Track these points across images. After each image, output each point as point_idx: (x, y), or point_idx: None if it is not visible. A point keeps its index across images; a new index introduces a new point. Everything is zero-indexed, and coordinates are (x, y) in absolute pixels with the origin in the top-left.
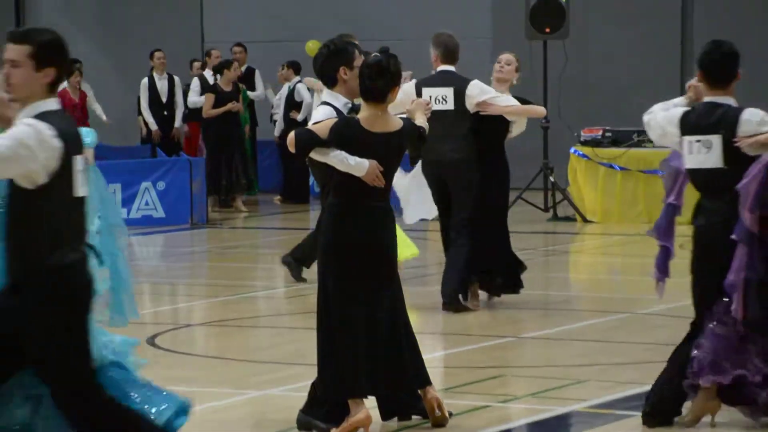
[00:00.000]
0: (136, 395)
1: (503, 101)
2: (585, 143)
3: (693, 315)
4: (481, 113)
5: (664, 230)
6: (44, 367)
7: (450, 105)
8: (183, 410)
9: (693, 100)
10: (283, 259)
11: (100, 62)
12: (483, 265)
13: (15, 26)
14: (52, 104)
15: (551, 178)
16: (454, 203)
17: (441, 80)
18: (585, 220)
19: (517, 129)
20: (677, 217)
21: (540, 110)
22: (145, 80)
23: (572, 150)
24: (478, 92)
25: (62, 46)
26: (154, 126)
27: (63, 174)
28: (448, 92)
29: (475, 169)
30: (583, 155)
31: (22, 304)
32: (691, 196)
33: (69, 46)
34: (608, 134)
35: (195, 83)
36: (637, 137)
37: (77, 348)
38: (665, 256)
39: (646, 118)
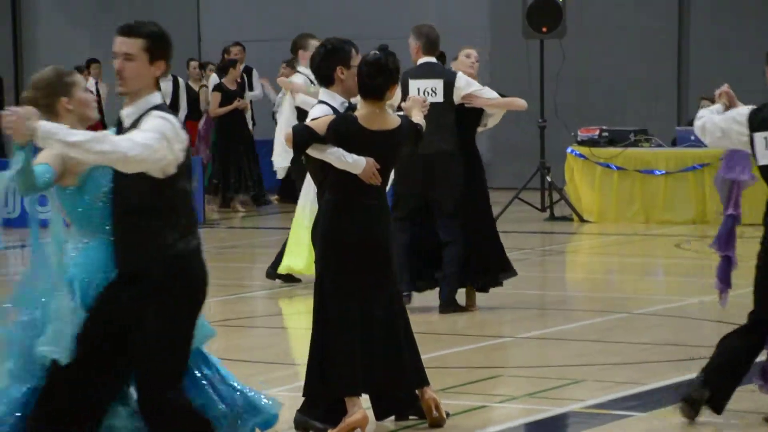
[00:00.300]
0: (224, 402)
1: (487, 94)
2: (582, 143)
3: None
4: (466, 105)
5: (725, 241)
6: (148, 348)
7: (440, 97)
8: (267, 420)
9: (727, 108)
10: (268, 274)
11: None
12: (481, 265)
13: (11, 25)
14: (159, 98)
15: (548, 178)
16: (441, 196)
17: (428, 72)
18: (582, 220)
19: (492, 122)
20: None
21: (521, 103)
22: None
23: (569, 149)
24: (464, 84)
25: (169, 39)
26: None
27: (185, 164)
28: (438, 84)
29: (461, 162)
30: (580, 155)
31: (142, 292)
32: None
33: (66, 46)
34: (605, 134)
35: (214, 81)
36: (634, 137)
37: (184, 339)
38: (727, 266)
39: (698, 122)
